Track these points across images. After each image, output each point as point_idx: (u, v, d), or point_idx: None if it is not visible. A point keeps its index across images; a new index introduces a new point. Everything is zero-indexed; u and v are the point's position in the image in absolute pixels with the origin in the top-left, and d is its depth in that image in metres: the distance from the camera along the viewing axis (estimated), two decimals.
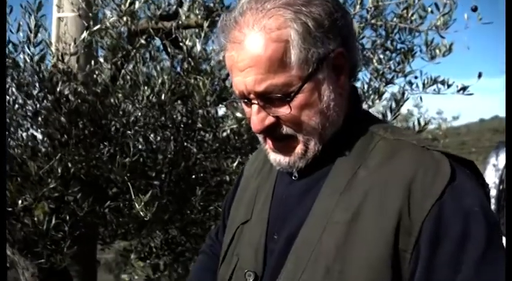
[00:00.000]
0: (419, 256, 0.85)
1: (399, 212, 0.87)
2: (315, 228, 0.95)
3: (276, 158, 1.02)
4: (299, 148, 0.99)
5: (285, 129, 0.98)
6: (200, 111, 2.39)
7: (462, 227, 0.84)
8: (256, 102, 0.96)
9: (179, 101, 2.45)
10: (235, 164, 2.24)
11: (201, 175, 2.46)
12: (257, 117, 0.96)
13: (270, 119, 0.97)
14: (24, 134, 2.03)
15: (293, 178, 1.05)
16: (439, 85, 2.49)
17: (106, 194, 2.39)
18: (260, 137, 1.05)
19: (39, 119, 1.87)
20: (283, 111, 0.95)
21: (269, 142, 1.02)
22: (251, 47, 0.92)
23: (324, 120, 0.97)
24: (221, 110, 2.90)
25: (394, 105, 2.28)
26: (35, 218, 1.96)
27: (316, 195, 0.99)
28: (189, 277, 1.36)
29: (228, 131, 2.39)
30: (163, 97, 2.08)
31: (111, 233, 3.11)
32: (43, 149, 1.87)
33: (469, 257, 0.82)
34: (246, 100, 0.98)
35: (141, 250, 3.05)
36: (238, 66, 0.94)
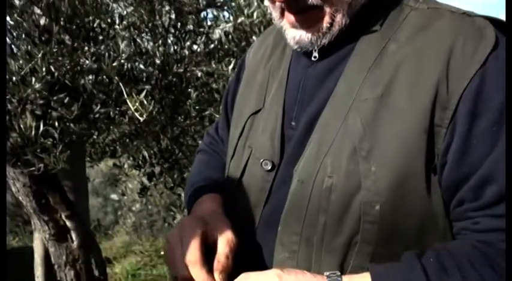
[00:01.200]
0: (456, 129, 0.78)
1: (436, 84, 0.79)
2: (340, 107, 0.87)
3: (296, 34, 0.91)
4: (325, 21, 0.87)
5: None
6: (191, 13, 2.21)
7: (504, 98, 0.77)
8: None
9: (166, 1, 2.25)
10: (230, 68, 2.12)
11: (194, 83, 2.35)
12: None
13: None
14: None
15: (313, 58, 0.95)
16: None
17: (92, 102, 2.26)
18: (277, 12, 0.92)
19: (14, 13, 1.68)
20: None
21: (289, 16, 0.90)
22: None
23: None
24: (211, 13, 2.71)
25: None
26: (21, 126, 1.86)
27: (340, 74, 0.90)
28: (191, 176, 1.24)
29: (221, 34, 2.24)
30: None
31: (99, 150, 3.05)
32: (23, 47, 1.70)
33: None
34: None
35: (133, 162, 3.01)
36: None
